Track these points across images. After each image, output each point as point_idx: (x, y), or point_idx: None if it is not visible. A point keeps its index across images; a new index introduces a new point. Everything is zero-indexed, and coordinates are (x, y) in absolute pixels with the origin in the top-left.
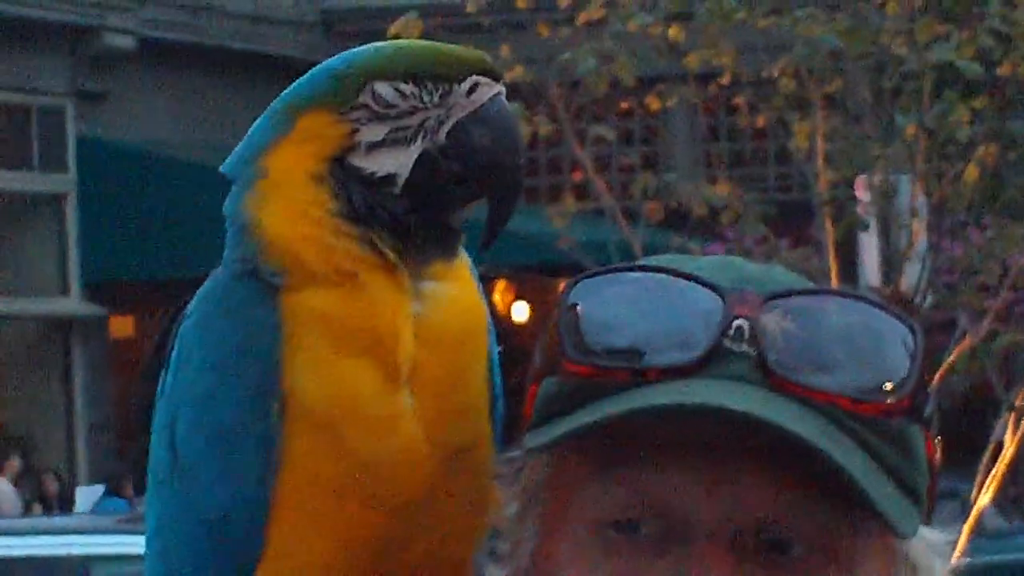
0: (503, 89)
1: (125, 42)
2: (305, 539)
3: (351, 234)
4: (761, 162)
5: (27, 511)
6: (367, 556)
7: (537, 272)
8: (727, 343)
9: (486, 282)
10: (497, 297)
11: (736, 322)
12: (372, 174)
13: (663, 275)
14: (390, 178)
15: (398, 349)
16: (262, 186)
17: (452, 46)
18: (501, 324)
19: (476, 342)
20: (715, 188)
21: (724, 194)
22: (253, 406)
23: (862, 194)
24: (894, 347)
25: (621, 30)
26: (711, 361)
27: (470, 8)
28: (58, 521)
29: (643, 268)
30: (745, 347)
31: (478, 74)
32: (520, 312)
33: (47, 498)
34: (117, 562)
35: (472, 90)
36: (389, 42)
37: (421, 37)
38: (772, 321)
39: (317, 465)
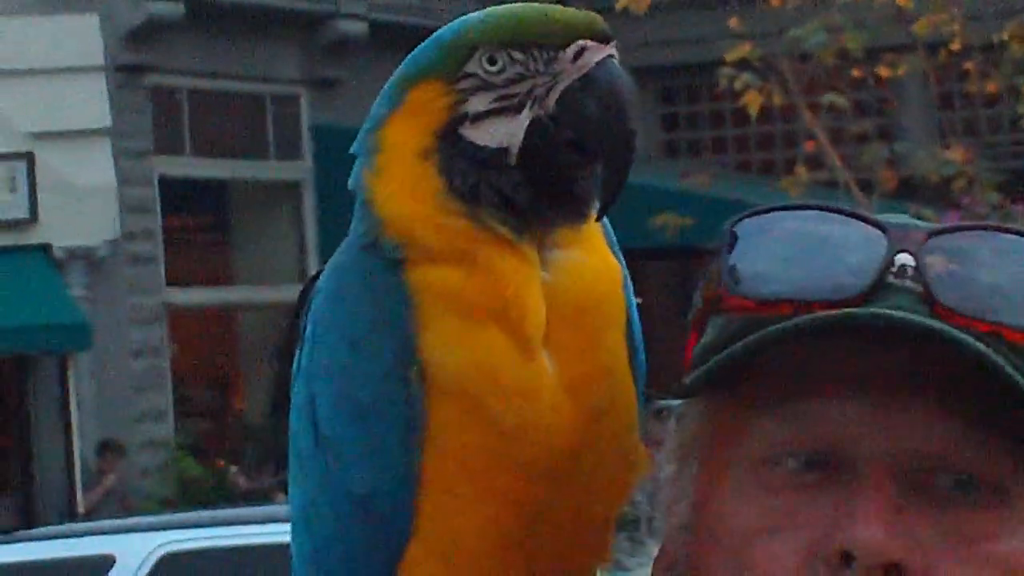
0: (613, 52)
1: (357, 28)
2: (455, 510)
3: (460, 212)
4: (995, 129)
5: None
6: (517, 522)
7: None
8: (890, 279)
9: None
10: None
11: (899, 256)
12: (483, 146)
13: (825, 212)
14: (501, 150)
15: (527, 318)
16: (377, 161)
17: (564, 9)
18: None
19: (609, 302)
20: (949, 155)
21: (958, 161)
22: (392, 379)
23: None
24: None
25: (849, 1)
26: (874, 296)
27: None
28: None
29: (805, 207)
30: (908, 283)
31: (587, 38)
32: None
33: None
34: None
35: (579, 55)
36: (500, 7)
37: (650, 10)
38: (935, 256)
39: (461, 436)
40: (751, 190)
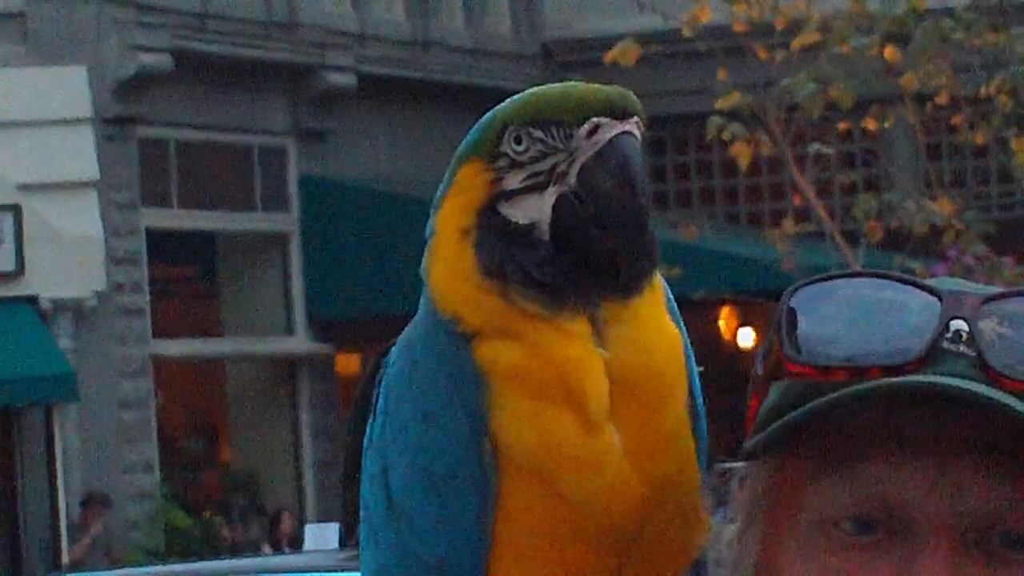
0: (629, 128)
1: (345, 80)
2: None
3: (493, 289)
4: (983, 180)
5: (257, 550)
6: None
7: (761, 297)
8: (945, 344)
9: (710, 308)
10: (722, 323)
11: (953, 323)
12: (515, 223)
13: (881, 280)
14: (533, 225)
15: (590, 396)
16: (432, 242)
17: (587, 86)
18: (726, 350)
19: (669, 373)
20: (936, 207)
21: (945, 213)
22: (465, 452)
23: None
24: None
25: (838, 53)
26: (929, 362)
27: (686, 33)
28: (291, 560)
29: (861, 274)
30: (963, 348)
31: (604, 114)
32: (745, 338)
33: (277, 536)
34: None
35: (593, 131)
36: (535, 88)
37: (638, 63)
38: (989, 321)
39: (531, 507)
40: (739, 242)
